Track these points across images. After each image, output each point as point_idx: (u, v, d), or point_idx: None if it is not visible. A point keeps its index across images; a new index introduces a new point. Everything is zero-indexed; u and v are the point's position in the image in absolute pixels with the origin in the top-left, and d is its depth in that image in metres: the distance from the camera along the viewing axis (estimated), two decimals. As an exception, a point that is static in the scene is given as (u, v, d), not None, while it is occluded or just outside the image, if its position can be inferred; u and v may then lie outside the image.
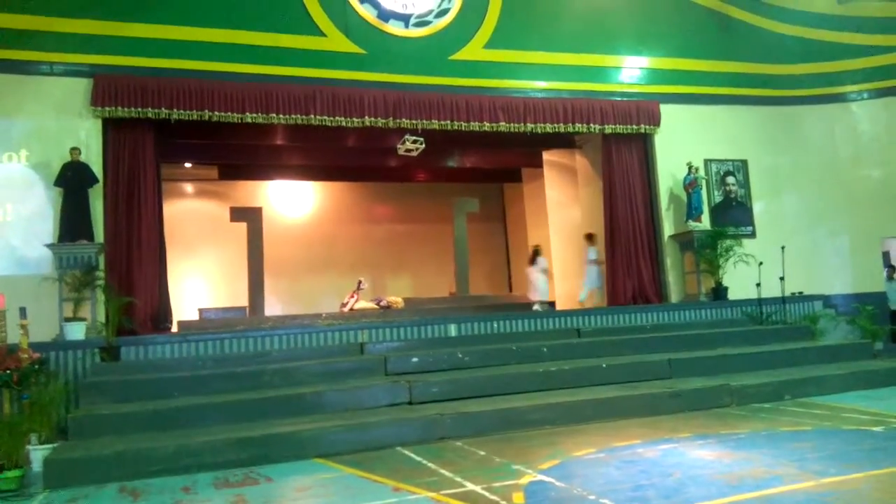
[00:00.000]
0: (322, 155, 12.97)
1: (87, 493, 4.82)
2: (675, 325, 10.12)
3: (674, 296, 11.34)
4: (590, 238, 12.12)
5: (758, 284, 10.21)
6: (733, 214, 11.81)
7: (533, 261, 12.11)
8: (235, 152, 12.24)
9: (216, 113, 9.40)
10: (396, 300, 12.48)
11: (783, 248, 10.36)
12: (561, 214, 13.50)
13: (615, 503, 3.77)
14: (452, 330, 9.35)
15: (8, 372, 6.06)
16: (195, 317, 11.53)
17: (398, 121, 10.26)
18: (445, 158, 13.64)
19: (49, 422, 6.02)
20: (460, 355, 7.92)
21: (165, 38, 9.43)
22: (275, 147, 12.15)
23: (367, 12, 10.45)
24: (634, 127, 11.36)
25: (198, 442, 5.43)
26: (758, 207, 12.02)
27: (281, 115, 9.69)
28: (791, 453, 4.70)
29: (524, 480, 4.37)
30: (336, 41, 10.23)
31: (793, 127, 12.38)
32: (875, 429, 5.43)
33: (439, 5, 10.85)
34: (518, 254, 15.82)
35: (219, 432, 5.72)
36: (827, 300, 11.47)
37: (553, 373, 7.37)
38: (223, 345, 8.41)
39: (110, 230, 8.96)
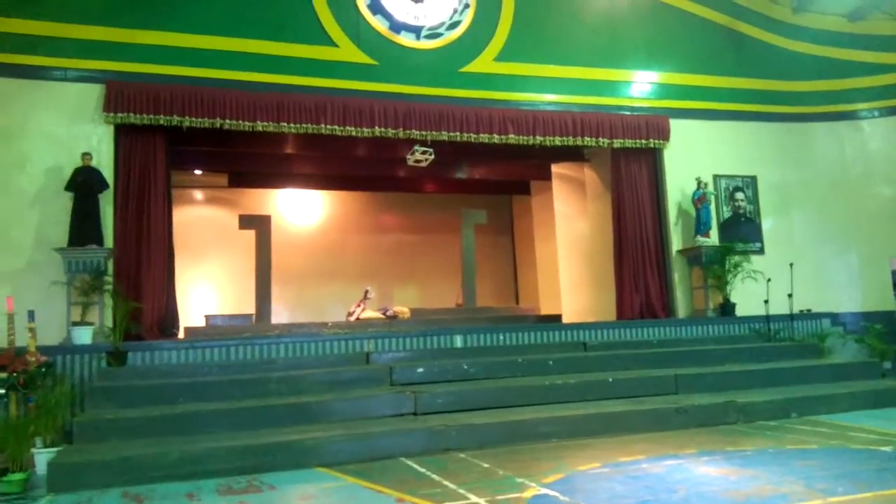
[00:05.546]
0: (331, 164, 13.02)
1: (91, 497, 4.82)
2: (681, 341, 10.05)
3: (681, 311, 11.30)
4: None
5: (766, 301, 10.16)
6: (742, 230, 11.76)
7: None
8: (245, 160, 12.29)
9: (228, 121, 9.46)
10: (403, 310, 12.48)
11: (791, 264, 10.32)
12: (569, 227, 13.48)
13: (619, 518, 3.76)
14: (458, 341, 9.33)
15: (15, 374, 6.10)
16: (202, 323, 11.54)
17: (408, 131, 10.29)
18: (454, 170, 13.66)
19: (54, 425, 6.03)
20: (466, 367, 7.90)
21: (178, 46, 9.51)
22: (285, 156, 12.20)
23: (379, 24, 10.53)
24: (643, 141, 11.36)
25: (202, 448, 5.44)
26: (767, 224, 11.97)
27: (292, 124, 9.73)
28: (797, 472, 4.66)
29: (528, 494, 4.36)
30: (348, 52, 10.29)
31: (803, 144, 12.34)
32: (883, 448, 5.38)
33: (451, 18, 10.91)
34: (525, 266, 15.80)
35: (223, 439, 5.72)
36: (835, 318, 11.40)
37: (559, 386, 7.35)
38: (229, 352, 8.41)
39: (120, 235, 9.01)
